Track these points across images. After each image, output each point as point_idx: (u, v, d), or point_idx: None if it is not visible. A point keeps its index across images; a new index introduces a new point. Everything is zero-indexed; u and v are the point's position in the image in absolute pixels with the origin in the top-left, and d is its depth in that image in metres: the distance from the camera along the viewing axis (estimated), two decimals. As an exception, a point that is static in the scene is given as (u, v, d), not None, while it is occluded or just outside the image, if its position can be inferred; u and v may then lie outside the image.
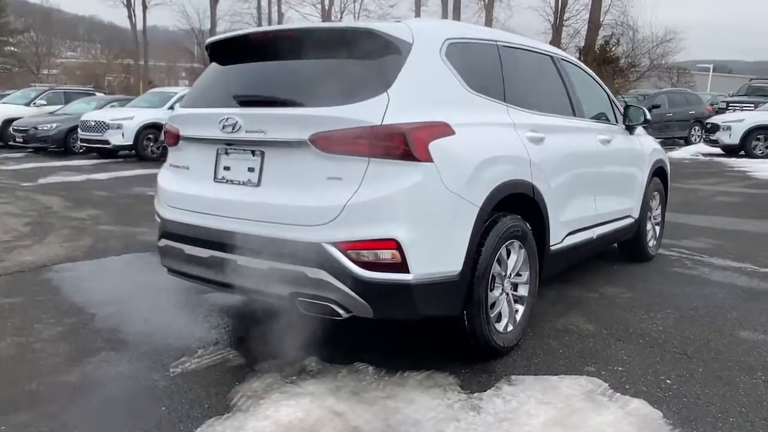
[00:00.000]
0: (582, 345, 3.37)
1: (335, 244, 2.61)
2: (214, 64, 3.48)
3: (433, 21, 4.70)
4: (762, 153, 14.69)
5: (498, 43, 3.49)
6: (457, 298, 2.86)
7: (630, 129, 4.83)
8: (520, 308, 3.29)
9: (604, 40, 26.56)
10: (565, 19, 32.15)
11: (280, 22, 35.83)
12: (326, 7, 38.83)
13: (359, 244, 2.60)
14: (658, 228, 5.47)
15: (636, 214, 4.89)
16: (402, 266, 2.63)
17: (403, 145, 2.64)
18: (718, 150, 15.78)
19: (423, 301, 2.73)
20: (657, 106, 17.03)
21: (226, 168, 3.05)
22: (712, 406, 2.71)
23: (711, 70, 29.82)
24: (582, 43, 27.18)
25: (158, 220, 3.37)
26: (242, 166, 2.97)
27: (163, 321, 3.67)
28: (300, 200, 2.71)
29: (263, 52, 3.18)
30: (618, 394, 2.79)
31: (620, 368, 3.08)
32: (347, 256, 2.61)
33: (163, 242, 3.29)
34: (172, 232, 3.21)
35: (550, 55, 4.10)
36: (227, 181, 3.03)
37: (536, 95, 3.74)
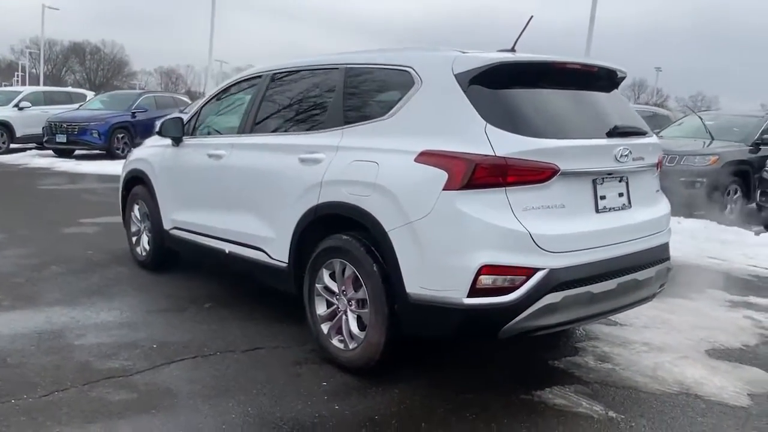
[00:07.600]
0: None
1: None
2: (530, 86, 3.19)
3: None
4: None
5: None
6: None
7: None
8: None
9: None
10: None
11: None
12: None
13: None
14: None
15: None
16: None
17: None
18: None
19: None
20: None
21: (602, 197, 3.23)
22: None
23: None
24: None
25: (527, 276, 2.85)
26: (614, 192, 3.30)
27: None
28: (655, 212, 3.56)
29: (590, 82, 3.51)
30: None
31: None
32: None
33: (559, 295, 2.90)
34: (573, 279, 2.95)
35: None
36: (608, 209, 3.26)
37: None
